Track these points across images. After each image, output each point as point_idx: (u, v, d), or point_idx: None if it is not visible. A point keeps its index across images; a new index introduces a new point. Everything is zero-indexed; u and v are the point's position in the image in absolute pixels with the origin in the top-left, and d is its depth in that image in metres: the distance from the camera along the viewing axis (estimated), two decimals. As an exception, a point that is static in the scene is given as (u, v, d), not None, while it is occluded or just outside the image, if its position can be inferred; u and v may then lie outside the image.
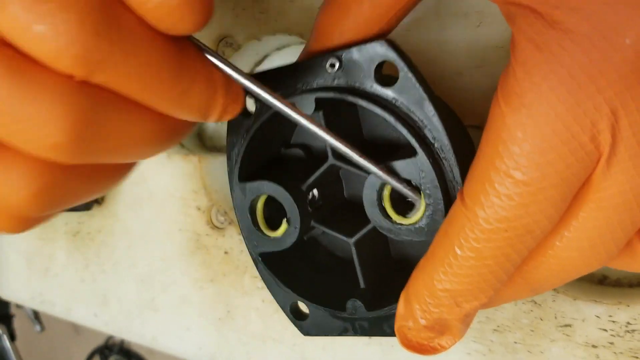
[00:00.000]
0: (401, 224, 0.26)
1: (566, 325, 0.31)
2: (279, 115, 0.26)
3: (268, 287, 0.31)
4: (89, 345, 1.29)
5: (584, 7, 0.19)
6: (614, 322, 0.30)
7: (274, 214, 0.30)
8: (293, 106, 0.24)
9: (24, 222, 0.22)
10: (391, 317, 0.28)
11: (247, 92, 0.24)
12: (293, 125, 0.31)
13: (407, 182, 0.26)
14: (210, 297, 0.43)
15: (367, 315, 0.28)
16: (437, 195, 0.25)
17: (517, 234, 0.21)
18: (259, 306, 0.41)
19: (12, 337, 0.99)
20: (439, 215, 0.25)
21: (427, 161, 0.25)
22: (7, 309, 1.01)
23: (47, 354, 1.62)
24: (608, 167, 0.20)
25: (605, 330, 0.30)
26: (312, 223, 0.29)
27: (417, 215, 0.26)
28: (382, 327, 0.29)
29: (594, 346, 0.30)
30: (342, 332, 0.30)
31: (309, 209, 0.29)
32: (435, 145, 0.26)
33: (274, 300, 0.32)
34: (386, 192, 0.27)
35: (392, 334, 0.27)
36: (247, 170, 0.30)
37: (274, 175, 0.29)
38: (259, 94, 0.24)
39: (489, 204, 0.21)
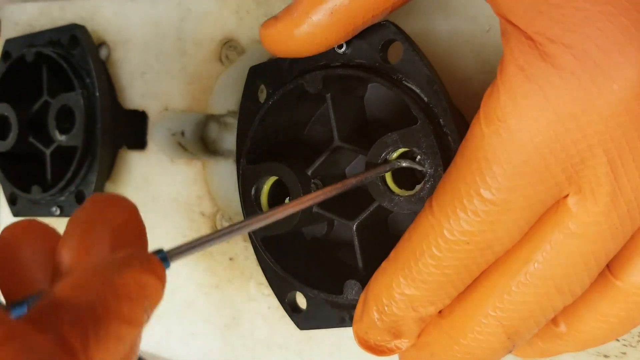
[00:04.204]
0: (401, 196, 0.27)
1: (577, 335, 0.31)
2: (285, 103, 0.29)
3: (266, 277, 0.32)
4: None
5: (578, 45, 0.20)
6: (626, 331, 0.30)
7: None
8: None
9: None
10: None
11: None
12: (299, 114, 0.33)
13: (409, 153, 0.27)
14: (216, 303, 0.43)
15: None
16: (439, 164, 0.26)
17: (478, 247, 0.22)
18: (265, 312, 0.41)
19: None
20: None
21: (429, 129, 0.26)
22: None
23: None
24: (584, 200, 0.21)
25: (618, 340, 0.30)
26: (315, 208, 0.30)
27: (418, 186, 0.27)
28: None
29: (605, 356, 0.30)
30: (340, 323, 0.30)
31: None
32: (437, 115, 0.27)
33: (280, 307, 0.32)
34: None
35: None
36: (255, 154, 0.31)
37: (280, 161, 0.31)
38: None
39: (454, 217, 0.22)
